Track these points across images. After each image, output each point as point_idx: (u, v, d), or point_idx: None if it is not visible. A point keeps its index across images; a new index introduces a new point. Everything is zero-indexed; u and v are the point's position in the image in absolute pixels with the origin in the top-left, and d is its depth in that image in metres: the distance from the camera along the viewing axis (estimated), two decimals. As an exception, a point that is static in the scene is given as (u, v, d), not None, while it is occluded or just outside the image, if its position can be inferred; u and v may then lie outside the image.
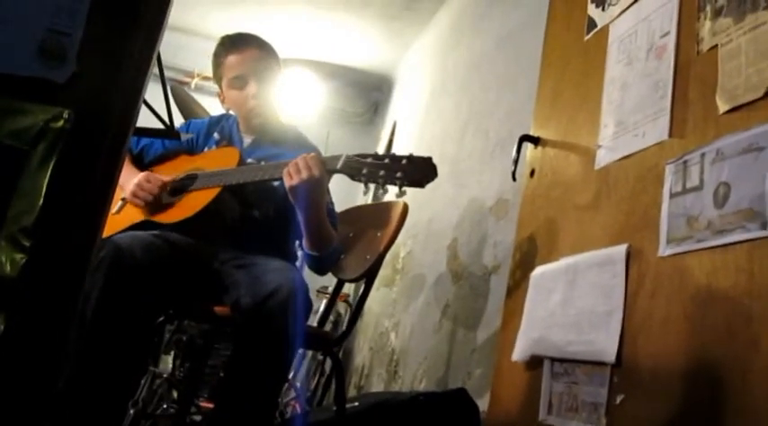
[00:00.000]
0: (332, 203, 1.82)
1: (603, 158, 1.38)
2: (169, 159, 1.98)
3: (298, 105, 4.58)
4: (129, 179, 1.78)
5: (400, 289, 3.14)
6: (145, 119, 1.12)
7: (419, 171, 1.46)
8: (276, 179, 1.60)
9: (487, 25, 2.81)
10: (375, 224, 2.05)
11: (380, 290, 3.51)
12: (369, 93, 4.80)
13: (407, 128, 3.84)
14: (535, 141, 1.72)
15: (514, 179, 1.71)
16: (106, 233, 1.79)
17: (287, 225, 1.80)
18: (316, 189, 1.53)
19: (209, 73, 4.54)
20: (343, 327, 3.81)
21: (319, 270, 1.75)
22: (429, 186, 3.04)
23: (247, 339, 1.48)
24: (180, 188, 1.80)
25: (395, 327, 3.04)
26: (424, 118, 3.53)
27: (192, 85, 4.48)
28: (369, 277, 1.97)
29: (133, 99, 0.80)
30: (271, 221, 1.78)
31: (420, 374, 2.51)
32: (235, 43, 1.82)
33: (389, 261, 3.48)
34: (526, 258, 1.61)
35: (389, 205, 2.07)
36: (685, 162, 1.11)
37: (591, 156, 1.42)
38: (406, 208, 1.98)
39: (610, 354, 1.17)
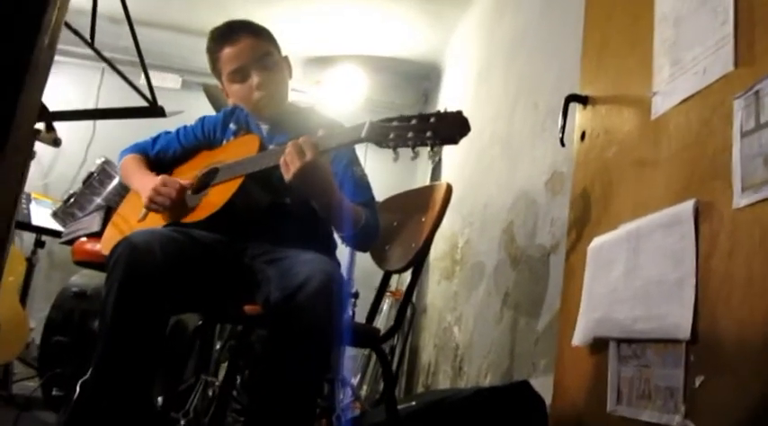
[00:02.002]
0: (357, 176, 1.70)
1: (661, 105, 1.20)
2: (190, 158, 1.90)
3: (345, 101, 4.48)
4: (145, 184, 1.71)
5: (460, 281, 2.98)
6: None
7: (450, 126, 1.30)
8: (345, 144, 1.45)
9: (529, -8, 2.63)
10: (419, 209, 1.90)
11: (441, 284, 3.36)
12: (417, 83, 4.66)
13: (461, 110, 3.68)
14: (583, 101, 1.54)
15: (563, 144, 1.54)
16: (111, 243, 1.72)
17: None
18: (313, 174, 1.40)
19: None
20: (403, 323, 3.68)
21: (356, 246, 1.65)
22: (482, 168, 2.89)
23: (278, 336, 1.37)
24: (202, 185, 1.71)
25: (457, 321, 2.88)
26: (473, 100, 3.36)
27: (239, 92, 4.44)
28: (416, 266, 1.84)
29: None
30: (305, 207, 1.66)
31: (485, 368, 2.34)
32: (227, 35, 1.70)
33: (448, 253, 3.33)
34: (583, 230, 1.44)
35: (432, 187, 1.92)
36: (757, 92, 0.93)
37: (646, 106, 1.24)
38: (449, 189, 1.84)
39: (684, 329, 0.99)
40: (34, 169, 4.26)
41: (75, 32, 1.20)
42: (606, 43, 1.48)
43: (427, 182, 4.04)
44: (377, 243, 1.71)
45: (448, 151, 3.83)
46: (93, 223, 2.12)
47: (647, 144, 1.22)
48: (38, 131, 1.90)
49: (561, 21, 2.21)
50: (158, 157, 1.88)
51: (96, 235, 2.09)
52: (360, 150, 1.75)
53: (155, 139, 1.92)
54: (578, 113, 1.56)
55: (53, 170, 4.34)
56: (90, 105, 4.33)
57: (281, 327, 1.35)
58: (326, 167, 1.44)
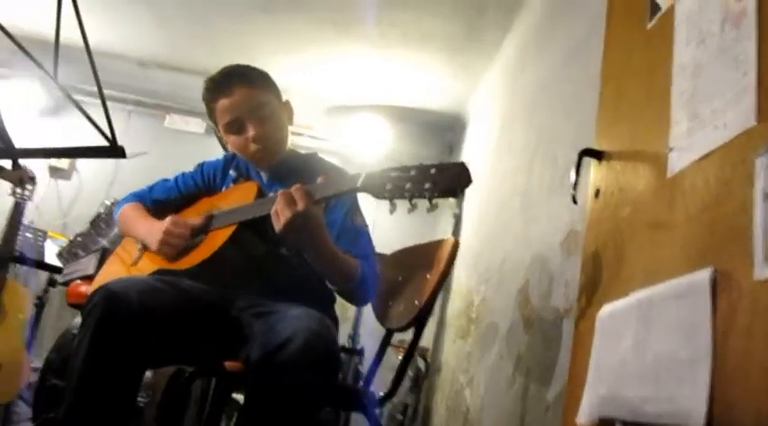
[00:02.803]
0: (356, 226, 1.62)
1: (677, 162, 1.09)
2: (189, 204, 1.84)
3: (368, 151, 4.44)
4: (152, 229, 1.64)
5: (474, 341, 2.85)
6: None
7: (450, 178, 1.23)
8: (339, 193, 1.39)
9: (552, 43, 2.56)
10: (424, 265, 1.81)
11: (456, 343, 3.22)
12: (442, 135, 4.60)
13: (480, 167, 3.60)
14: (598, 155, 1.44)
15: (575, 201, 1.44)
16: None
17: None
18: (304, 225, 1.32)
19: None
20: (419, 382, 3.53)
21: (350, 301, 1.59)
22: (501, 223, 2.78)
23: (255, 397, 1.27)
24: (198, 231, 1.64)
25: (469, 383, 2.73)
26: (495, 152, 3.27)
27: (262, 137, 4.42)
28: (417, 325, 1.74)
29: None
30: (301, 258, 1.58)
31: (494, 437, 2.19)
32: (221, 86, 1.66)
33: (464, 310, 3.20)
34: (593, 296, 1.32)
35: (438, 243, 1.84)
36: (781, 150, 0.82)
37: (662, 163, 1.13)
38: (455, 245, 1.75)
39: (698, 415, 0.87)
40: (54, 207, 4.27)
41: (39, 65, 1.14)
42: (622, 94, 1.39)
43: (448, 235, 3.94)
44: (373, 298, 1.62)
45: (468, 204, 3.74)
46: (90, 265, 2.07)
47: (662, 204, 1.11)
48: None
49: (582, 72, 2.13)
50: (156, 205, 1.82)
51: (91, 278, 2.03)
52: (372, 200, 1.68)
53: (151, 187, 1.87)
54: (593, 169, 1.46)
55: (73, 209, 4.34)
56: (114, 146, 4.34)
57: (259, 389, 1.26)
58: (319, 218, 1.36)
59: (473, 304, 3.01)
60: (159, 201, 1.84)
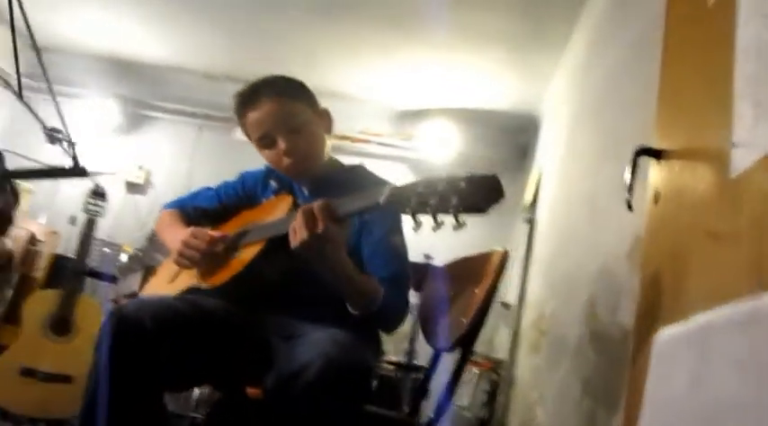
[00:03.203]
0: (392, 247, 1.51)
1: (741, 160, 0.91)
2: (230, 216, 1.77)
3: (438, 156, 4.31)
4: (175, 238, 1.59)
5: (545, 355, 2.66)
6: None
7: (478, 192, 1.09)
8: (362, 210, 1.27)
9: (619, 35, 2.35)
10: (472, 279, 1.67)
11: (528, 356, 3.03)
12: (514, 137, 4.40)
13: (552, 169, 3.40)
14: (657, 155, 1.26)
15: (630, 208, 1.26)
16: None
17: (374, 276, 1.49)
18: (322, 246, 1.21)
19: (347, 132, 4.43)
20: (497, 400, 3.36)
21: (379, 327, 1.48)
22: (570, 232, 2.59)
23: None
24: (221, 244, 1.57)
25: (540, 400, 2.55)
26: (564, 156, 3.07)
27: (329, 147, 4.36)
28: (464, 344, 1.60)
29: None
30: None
31: (562, 464, 2.01)
32: (248, 100, 1.58)
33: (534, 322, 3.01)
34: (651, 318, 1.14)
35: (488, 255, 1.69)
36: None
37: (724, 160, 0.95)
38: (504, 258, 1.60)
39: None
40: (131, 221, 4.37)
41: (7, 83, 1.09)
42: (682, 83, 1.21)
43: (522, 244, 3.75)
44: (398, 325, 1.49)
45: (540, 209, 3.54)
46: (135, 283, 2.05)
47: (724, 210, 0.94)
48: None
49: (648, 65, 1.93)
50: (198, 213, 1.77)
51: (135, 296, 2.01)
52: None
53: (195, 195, 1.82)
54: (651, 170, 1.28)
55: (149, 222, 4.43)
56: (185, 161, 4.41)
57: (274, 420, 1.16)
58: (338, 239, 1.26)
59: (544, 315, 2.82)
60: (200, 210, 1.79)
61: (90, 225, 3.24)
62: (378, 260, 1.47)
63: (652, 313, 1.12)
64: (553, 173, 3.32)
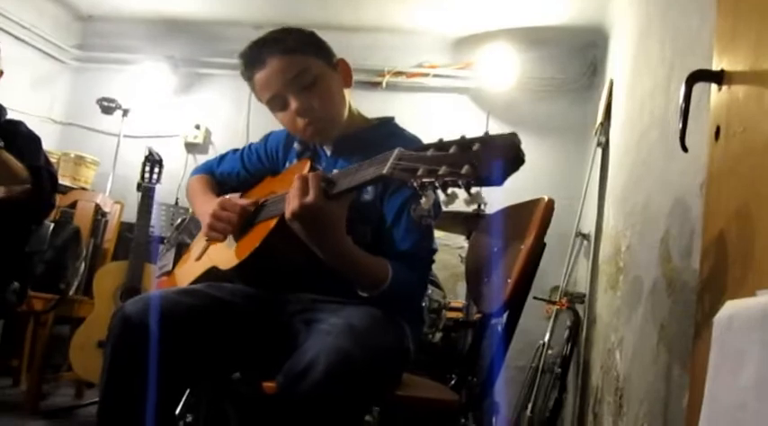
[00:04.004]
0: (412, 219, 1.35)
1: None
2: (256, 182, 1.66)
3: (500, 82, 4.03)
4: (204, 209, 1.50)
5: (623, 295, 2.45)
6: None
7: (493, 157, 0.92)
8: (363, 184, 1.13)
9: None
10: (517, 233, 1.50)
11: (608, 293, 2.83)
12: (583, 53, 4.04)
13: (622, 86, 3.08)
14: (717, 79, 1.02)
15: (685, 148, 1.04)
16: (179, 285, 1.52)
17: (390, 250, 1.36)
18: (312, 219, 1.09)
19: (401, 67, 4.22)
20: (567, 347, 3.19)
21: (390, 309, 1.31)
22: (642, 157, 2.34)
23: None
24: (247, 223, 1.45)
25: (619, 344, 2.36)
26: (632, 69, 2.76)
27: (384, 85, 4.18)
28: (512, 307, 1.44)
29: None
30: (367, 249, 1.34)
31: (641, 417, 1.84)
32: (254, 59, 1.42)
33: (612, 257, 2.78)
34: (714, 280, 0.94)
35: (531, 205, 1.51)
36: None
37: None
38: (548, 208, 1.42)
39: None
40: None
41: None
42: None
43: (596, 170, 3.48)
44: (413, 304, 1.35)
45: (613, 131, 3.24)
46: (170, 260, 1.98)
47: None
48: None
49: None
50: (224, 178, 1.68)
51: (170, 274, 1.96)
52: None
53: (221, 158, 1.72)
54: (712, 96, 1.05)
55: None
56: (242, 116, 4.33)
57: (281, 421, 1.05)
58: (334, 214, 1.11)
59: (620, 250, 2.59)
60: (225, 174, 1.70)
61: (147, 192, 3.23)
62: (396, 230, 1.33)
63: (716, 284, 0.92)
64: (624, 91, 3.01)
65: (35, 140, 2.23)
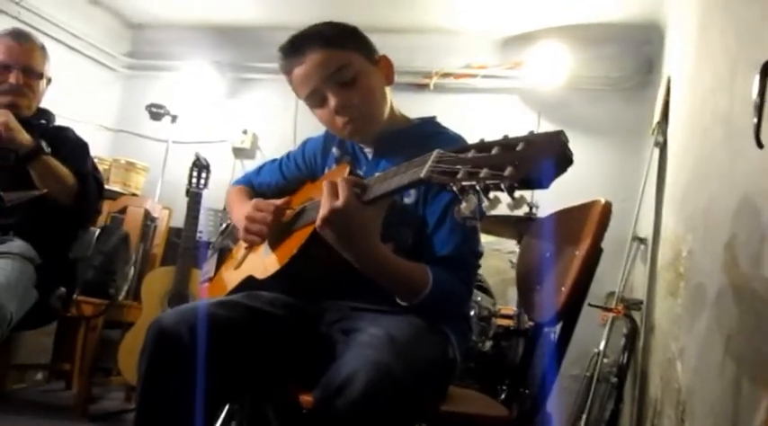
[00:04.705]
0: (455, 221, 1.28)
1: None
2: (296, 190, 1.62)
3: (550, 81, 3.92)
4: (240, 214, 1.47)
5: (684, 302, 2.32)
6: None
7: (539, 158, 0.85)
8: (399, 189, 1.07)
9: None
10: (572, 237, 1.41)
11: (667, 300, 2.69)
12: (637, 49, 3.89)
13: (681, 82, 2.94)
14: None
15: (760, 144, 0.95)
16: (215, 295, 1.49)
17: (432, 255, 1.30)
18: (341, 226, 1.06)
19: (449, 69, 4.16)
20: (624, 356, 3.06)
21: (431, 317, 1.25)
22: (704, 157, 2.22)
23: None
24: (286, 230, 1.41)
25: (680, 354, 2.23)
26: (693, 64, 2.62)
27: (431, 86, 4.11)
28: (566, 317, 1.36)
29: None
30: (409, 254, 1.29)
31: (707, 434, 1.72)
32: (292, 53, 1.38)
33: (672, 262, 2.64)
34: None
35: (587, 208, 1.42)
36: None
37: None
38: (605, 210, 1.33)
39: None
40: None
41: None
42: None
43: (653, 170, 3.33)
44: (455, 312, 1.28)
45: (671, 129, 3.10)
46: (213, 266, 1.95)
47: None
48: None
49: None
50: (263, 189, 1.65)
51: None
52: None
53: (260, 168, 1.70)
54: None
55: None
56: (290, 120, 4.31)
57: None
58: (368, 220, 1.06)
59: (681, 255, 2.46)
60: (264, 184, 1.67)
61: (194, 198, 3.23)
62: (439, 234, 1.26)
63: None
64: (683, 87, 2.87)
65: (83, 146, 2.24)
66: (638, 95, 3.83)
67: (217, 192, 3.94)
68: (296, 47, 1.40)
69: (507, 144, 0.90)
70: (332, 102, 1.37)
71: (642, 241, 3.46)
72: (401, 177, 1.04)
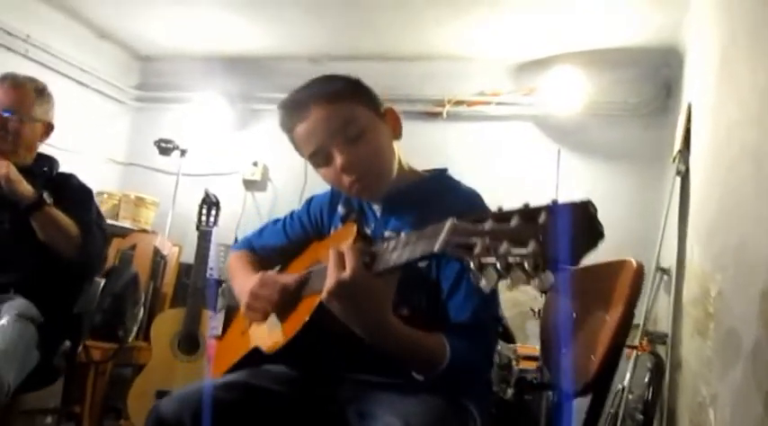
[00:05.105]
0: (473, 286, 1.20)
1: None
2: (301, 251, 1.53)
3: (565, 108, 3.83)
4: (243, 287, 1.38)
5: (715, 345, 2.21)
6: None
7: (565, 233, 0.77)
8: (410, 261, 0.99)
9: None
10: (600, 300, 1.32)
11: (695, 339, 2.57)
12: (654, 74, 3.80)
13: (704, 110, 2.84)
14: None
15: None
16: (221, 366, 1.40)
17: (448, 321, 1.22)
18: (351, 297, 0.99)
19: (462, 96, 4.09)
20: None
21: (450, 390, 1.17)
22: (731, 191, 2.11)
23: None
24: (294, 297, 1.33)
25: (713, 402, 2.12)
26: (715, 95, 2.53)
27: (444, 115, 4.04)
28: (596, 388, 1.26)
29: None
30: (422, 320, 1.20)
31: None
32: (294, 110, 1.30)
33: (699, 299, 2.53)
34: None
35: (615, 267, 1.33)
36: None
37: None
38: (638, 274, 1.24)
39: None
40: (254, 219, 4.30)
41: None
42: None
43: (674, 200, 3.22)
44: (475, 382, 1.20)
45: (694, 159, 3.00)
46: (220, 324, 1.88)
47: None
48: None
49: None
50: (266, 252, 1.56)
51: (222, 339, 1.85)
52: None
53: (261, 230, 1.61)
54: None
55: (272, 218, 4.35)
56: (300, 149, 4.24)
57: None
58: (377, 292, 0.98)
59: (709, 294, 2.35)
60: (268, 248, 1.58)
61: (204, 236, 3.17)
62: (455, 299, 1.18)
63: None
64: (705, 116, 2.77)
65: (86, 194, 2.18)
66: (657, 121, 3.73)
67: (229, 225, 3.90)
68: (298, 103, 1.33)
69: (527, 214, 0.81)
70: (338, 159, 1.29)
71: (665, 271, 3.34)
72: (413, 248, 0.96)
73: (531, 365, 2.52)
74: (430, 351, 1.12)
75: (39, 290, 1.88)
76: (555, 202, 0.80)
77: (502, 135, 4.01)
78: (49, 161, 2.21)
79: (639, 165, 3.75)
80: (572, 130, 3.87)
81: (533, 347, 2.83)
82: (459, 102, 4.05)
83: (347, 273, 0.99)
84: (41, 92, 2.17)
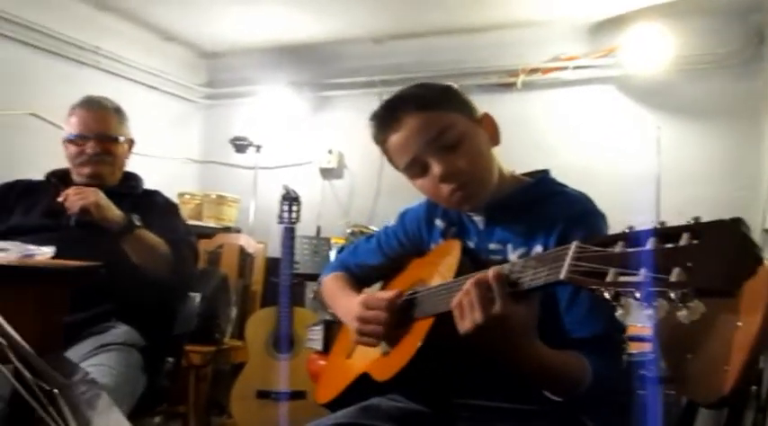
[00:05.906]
0: (592, 299, 1.12)
1: None
2: (401, 268, 1.48)
3: (648, 67, 3.61)
4: (348, 311, 1.34)
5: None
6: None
7: (716, 258, 0.69)
8: (539, 288, 0.93)
9: None
10: (730, 302, 1.21)
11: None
12: (743, 20, 3.51)
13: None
14: None
15: None
16: (327, 391, 1.37)
17: (568, 335, 1.15)
18: (500, 329, 0.94)
19: (535, 64, 3.92)
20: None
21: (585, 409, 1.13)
22: None
23: None
24: (403, 318, 1.28)
25: None
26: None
27: (518, 85, 3.88)
28: (733, 403, 1.16)
29: None
30: (546, 335, 1.14)
31: None
32: (386, 119, 1.24)
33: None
34: None
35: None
36: None
37: None
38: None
39: None
40: (335, 208, 4.29)
41: None
42: None
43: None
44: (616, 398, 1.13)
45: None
46: (318, 339, 1.84)
47: None
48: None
49: None
50: (363, 271, 1.51)
51: (321, 355, 1.81)
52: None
53: (355, 248, 1.56)
54: None
55: (352, 205, 4.33)
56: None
57: None
58: (526, 319, 0.93)
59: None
60: (365, 266, 1.53)
61: (288, 233, 3.17)
62: (574, 314, 1.11)
63: None
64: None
65: (173, 209, 2.19)
66: (749, 70, 3.47)
67: (309, 216, 3.89)
68: (389, 113, 1.27)
69: (665, 234, 0.73)
70: (435, 169, 1.22)
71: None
72: (535, 274, 0.89)
73: (639, 347, 2.39)
74: (572, 372, 1.06)
75: (138, 314, 1.91)
76: (697, 221, 0.71)
77: (580, 101, 3.82)
78: (135, 179, 2.22)
79: (733, 120, 3.51)
80: (656, 90, 3.65)
81: (637, 325, 2.69)
82: (533, 70, 3.88)
83: (498, 307, 0.93)
84: (119, 109, 2.18)
